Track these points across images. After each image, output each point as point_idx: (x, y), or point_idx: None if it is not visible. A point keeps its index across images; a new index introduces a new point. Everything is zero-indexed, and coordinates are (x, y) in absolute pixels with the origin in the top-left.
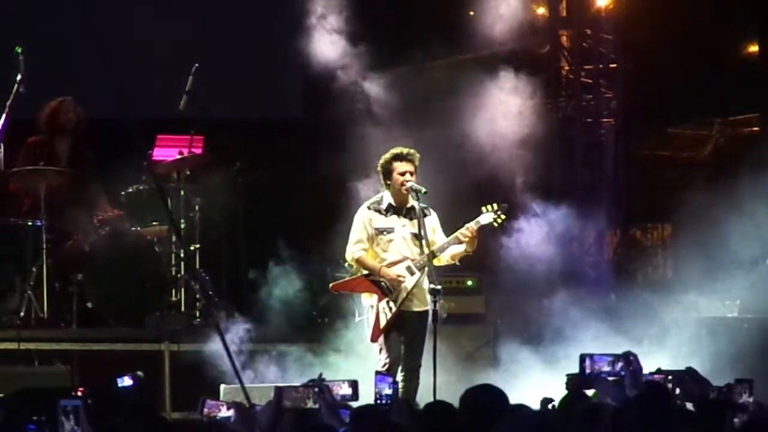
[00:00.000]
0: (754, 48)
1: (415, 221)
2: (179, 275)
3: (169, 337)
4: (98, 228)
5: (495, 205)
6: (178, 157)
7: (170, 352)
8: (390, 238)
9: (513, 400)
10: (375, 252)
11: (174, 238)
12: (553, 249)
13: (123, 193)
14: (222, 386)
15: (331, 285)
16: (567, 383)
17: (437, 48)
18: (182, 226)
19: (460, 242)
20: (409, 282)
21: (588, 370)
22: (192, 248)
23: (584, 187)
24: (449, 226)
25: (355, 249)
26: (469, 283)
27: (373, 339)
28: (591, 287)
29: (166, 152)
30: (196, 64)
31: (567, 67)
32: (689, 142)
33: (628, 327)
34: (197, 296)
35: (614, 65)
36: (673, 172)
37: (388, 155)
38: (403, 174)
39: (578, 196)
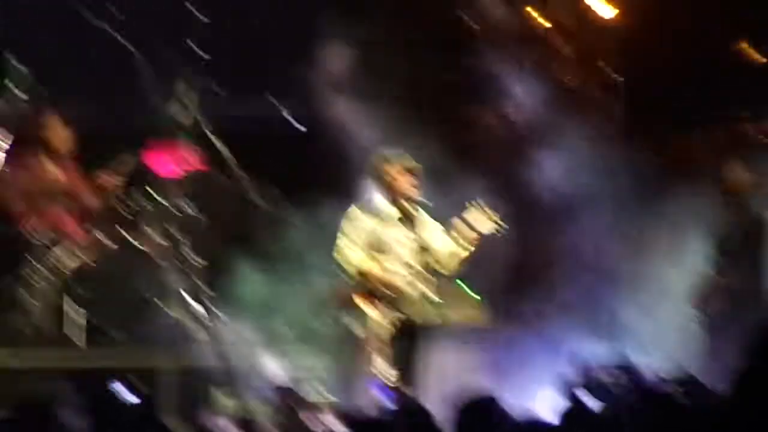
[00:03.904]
0: None
1: (413, 226)
2: (180, 289)
3: (172, 349)
4: (101, 242)
5: (480, 202)
6: (175, 168)
7: (172, 364)
8: (389, 245)
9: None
10: (373, 258)
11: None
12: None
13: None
14: (219, 396)
15: (329, 297)
16: (566, 394)
17: None
18: (182, 239)
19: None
20: (407, 291)
21: (587, 380)
22: (193, 262)
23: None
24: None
25: (355, 257)
26: (470, 291)
27: (370, 349)
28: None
29: (162, 163)
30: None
31: None
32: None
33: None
34: (198, 310)
35: None
36: None
37: (389, 163)
38: (407, 185)
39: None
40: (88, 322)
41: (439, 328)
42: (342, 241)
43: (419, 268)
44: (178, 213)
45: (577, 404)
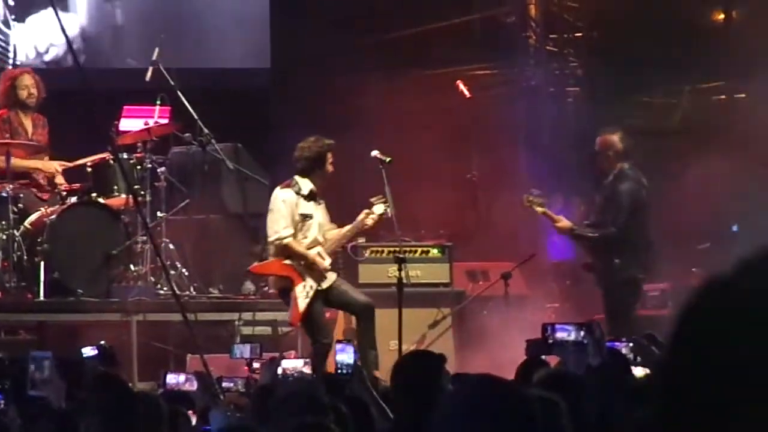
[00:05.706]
0: (719, 16)
1: (322, 206)
2: (145, 246)
3: (136, 308)
4: (64, 198)
5: (380, 197)
6: (144, 127)
7: (137, 323)
8: (310, 224)
9: (476, 367)
10: (293, 231)
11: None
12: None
13: (89, 163)
14: (188, 356)
15: (249, 267)
16: (527, 349)
17: (402, 18)
18: (147, 197)
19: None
20: (318, 261)
21: (550, 340)
22: (158, 218)
23: (551, 154)
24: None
25: (285, 233)
26: (435, 251)
27: (294, 322)
28: (556, 257)
29: (132, 123)
30: (162, 35)
31: (534, 37)
32: (658, 111)
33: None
34: (162, 267)
35: (580, 34)
36: (643, 140)
37: (324, 146)
38: (332, 163)
39: (545, 165)
40: (51, 277)
41: (402, 284)
42: (270, 216)
43: (321, 240)
44: (144, 171)
45: (537, 361)
